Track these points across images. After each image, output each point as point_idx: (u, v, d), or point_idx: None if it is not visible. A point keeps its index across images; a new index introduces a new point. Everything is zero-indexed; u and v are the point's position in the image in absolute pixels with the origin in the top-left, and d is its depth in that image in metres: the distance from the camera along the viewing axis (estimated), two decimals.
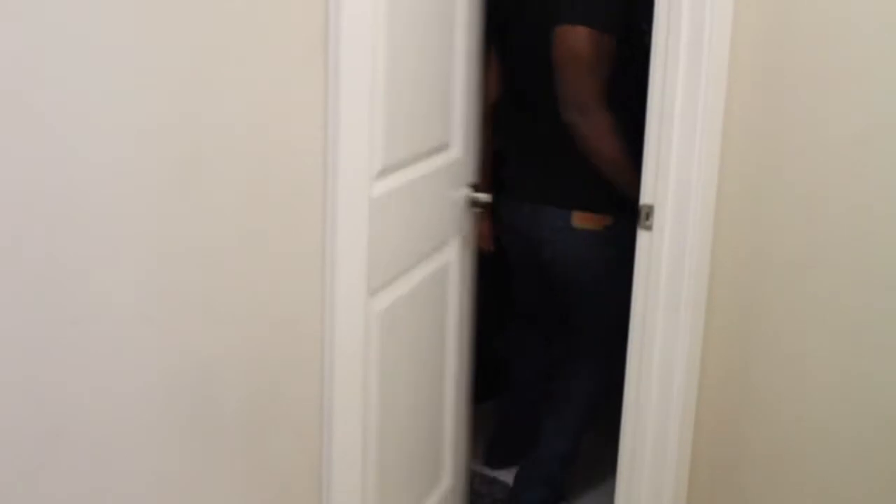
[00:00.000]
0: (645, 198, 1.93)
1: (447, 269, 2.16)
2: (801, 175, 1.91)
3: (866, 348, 1.89)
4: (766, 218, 1.95)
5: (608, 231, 2.41)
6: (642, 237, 1.96)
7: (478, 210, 2.30)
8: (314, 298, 1.55)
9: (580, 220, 2.41)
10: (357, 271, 1.65)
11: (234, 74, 1.34)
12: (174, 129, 1.28)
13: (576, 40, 2.23)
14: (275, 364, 1.50)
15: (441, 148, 2.06)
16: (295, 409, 1.55)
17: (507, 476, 2.79)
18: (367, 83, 1.58)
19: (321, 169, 1.51)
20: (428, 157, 1.99)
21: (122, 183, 1.23)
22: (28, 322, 1.16)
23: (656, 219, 1.90)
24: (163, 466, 1.35)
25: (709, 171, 1.90)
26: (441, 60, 2.01)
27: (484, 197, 2.25)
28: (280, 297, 1.48)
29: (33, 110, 1.11)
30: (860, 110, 1.83)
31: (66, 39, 1.13)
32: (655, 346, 1.98)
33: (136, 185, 1.25)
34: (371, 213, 1.69)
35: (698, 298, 1.96)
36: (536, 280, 2.63)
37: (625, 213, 2.20)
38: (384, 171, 1.74)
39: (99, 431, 1.26)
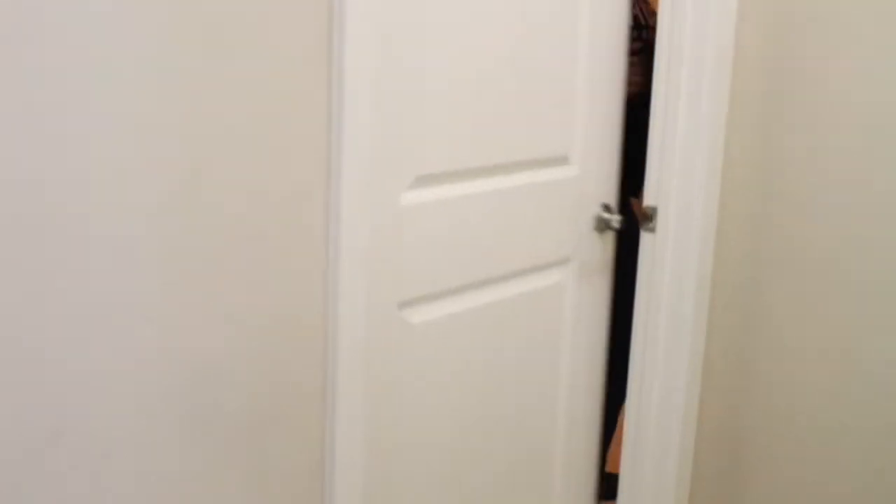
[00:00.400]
0: (648, 199, 1.93)
1: (555, 293, 1.99)
2: (804, 177, 1.91)
3: (866, 350, 1.89)
4: (769, 220, 1.95)
5: None
6: (645, 239, 1.95)
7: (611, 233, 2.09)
8: (318, 302, 1.54)
9: None
10: (367, 279, 1.60)
11: (235, 75, 1.34)
12: (176, 131, 1.29)
13: None
14: (277, 365, 1.50)
15: (550, 162, 1.91)
16: (297, 410, 1.55)
17: None
18: (370, 90, 1.52)
19: (325, 174, 1.50)
20: (521, 170, 1.86)
21: (123, 183, 1.24)
22: (29, 321, 1.16)
23: (659, 220, 1.88)
24: (163, 466, 1.36)
25: (712, 173, 1.88)
26: (552, 66, 1.85)
27: (616, 221, 2.03)
28: (283, 299, 1.48)
29: (35, 110, 1.12)
30: (863, 113, 1.83)
31: (68, 42, 1.14)
32: (659, 347, 1.97)
33: (138, 184, 1.26)
34: (398, 223, 1.64)
35: (701, 299, 1.95)
36: None
37: None
38: (423, 181, 1.67)
39: (99, 431, 1.28)
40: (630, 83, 2.09)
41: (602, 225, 2.04)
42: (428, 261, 1.72)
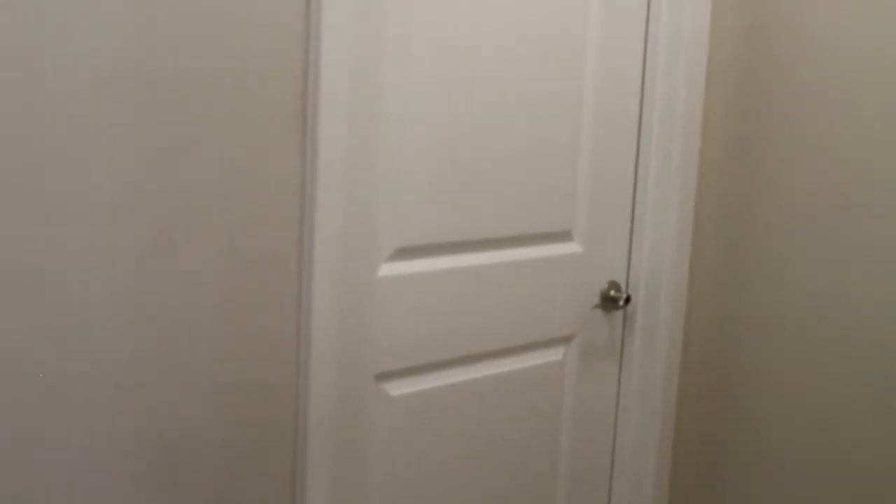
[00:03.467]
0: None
1: (554, 371, 1.93)
2: (770, 245, 1.96)
3: (837, 413, 1.90)
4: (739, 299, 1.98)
5: None
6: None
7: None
8: (290, 372, 1.52)
9: None
10: (340, 350, 1.59)
11: (210, 146, 1.36)
12: (153, 200, 1.30)
13: None
14: (247, 436, 1.48)
15: (549, 238, 1.88)
16: (267, 480, 1.52)
17: None
18: (344, 161, 1.52)
19: (297, 244, 1.50)
20: (515, 246, 1.82)
21: (96, 251, 1.24)
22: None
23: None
24: None
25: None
26: (552, 138, 1.83)
27: (623, 300, 1.95)
28: (255, 369, 1.48)
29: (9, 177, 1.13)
30: (832, 170, 1.88)
31: (48, 110, 1.15)
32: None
33: (112, 253, 1.26)
34: (376, 294, 1.63)
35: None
36: None
37: None
38: (404, 253, 1.67)
39: (68, 500, 1.24)
40: None
41: (609, 304, 1.97)
42: (409, 333, 1.70)
